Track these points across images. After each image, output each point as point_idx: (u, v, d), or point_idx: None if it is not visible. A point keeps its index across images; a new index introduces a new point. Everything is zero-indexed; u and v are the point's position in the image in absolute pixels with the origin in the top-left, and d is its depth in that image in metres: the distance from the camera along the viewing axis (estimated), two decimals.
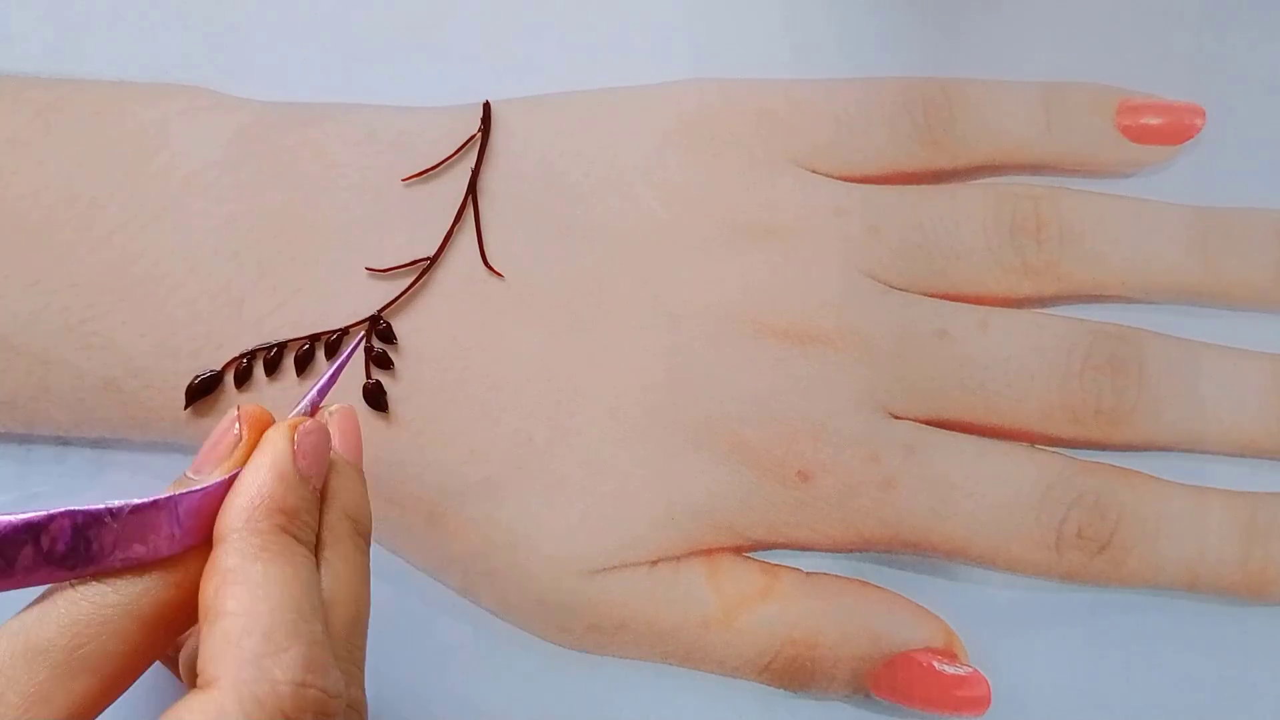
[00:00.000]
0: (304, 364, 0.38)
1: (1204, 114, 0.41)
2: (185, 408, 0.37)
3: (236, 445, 0.30)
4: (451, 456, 0.37)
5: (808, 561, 0.38)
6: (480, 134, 0.40)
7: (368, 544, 0.30)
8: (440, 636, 0.38)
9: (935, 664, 0.37)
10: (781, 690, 0.38)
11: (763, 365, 0.38)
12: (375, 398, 0.38)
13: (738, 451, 0.38)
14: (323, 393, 0.32)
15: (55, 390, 0.37)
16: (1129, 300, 0.40)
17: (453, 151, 0.39)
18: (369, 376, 0.38)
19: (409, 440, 0.37)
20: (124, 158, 0.38)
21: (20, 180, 0.38)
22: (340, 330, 0.38)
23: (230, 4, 0.42)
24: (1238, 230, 0.40)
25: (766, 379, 0.38)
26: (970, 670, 0.37)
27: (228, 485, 0.29)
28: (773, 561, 0.38)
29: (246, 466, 0.29)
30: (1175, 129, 0.41)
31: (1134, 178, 0.41)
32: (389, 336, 0.38)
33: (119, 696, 0.27)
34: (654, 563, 0.37)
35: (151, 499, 0.28)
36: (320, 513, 0.29)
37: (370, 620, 0.38)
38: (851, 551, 0.39)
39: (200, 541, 0.28)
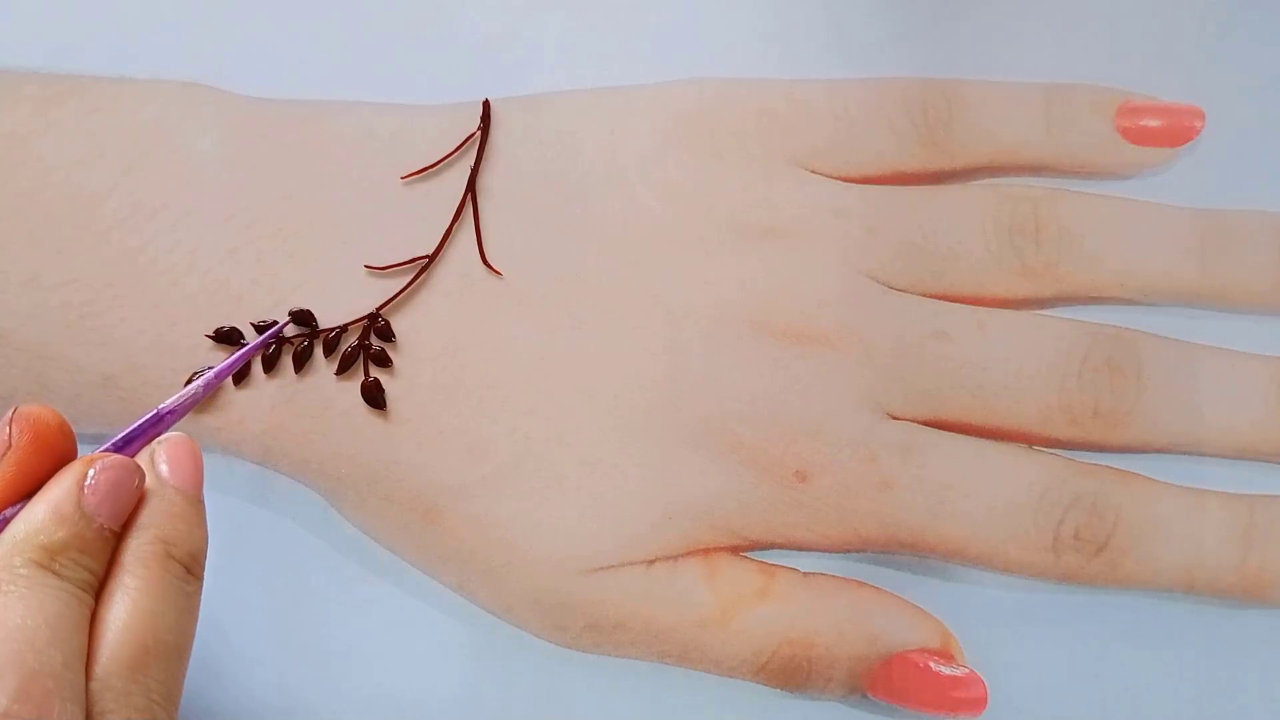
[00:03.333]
0: (302, 361, 0.38)
1: (1204, 116, 0.41)
2: None
3: (6, 451, 0.29)
4: (449, 454, 0.37)
5: (805, 561, 0.38)
6: (480, 132, 0.40)
7: (191, 570, 0.29)
8: (437, 635, 0.38)
9: (932, 665, 0.37)
10: (778, 690, 0.38)
11: (761, 365, 0.38)
12: (373, 395, 0.38)
13: (736, 451, 0.38)
14: (207, 386, 0.32)
15: (54, 386, 0.37)
16: (1128, 302, 0.40)
17: (452, 150, 0.40)
18: (367, 375, 0.38)
19: (406, 438, 0.37)
20: (123, 154, 0.38)
21: (19, 176, 0.38)
22: (339, 328, 0.38)
23: (230, 1, 0.42)
24: (1237, 232, 0.40)
25: (765, 379, 0.38)
26: (967, 671, 0.37)
27: (2, 523, 0.28)
28: (770, 561, 0.38)
29: (30, 501, 0.28)
30: (1175, 131, 0.41)
31: (1134, 179, 0.41)
32: (387, 334, 0.38)
33: None
34: (651, 562, 0.37)
35: None
36: (125, 540, 0.29)
37: (368, 619, 0.38)
38: (849, 552, 0.39)
39: None
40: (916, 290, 0.40)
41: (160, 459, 0.30)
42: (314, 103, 0.40)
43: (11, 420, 0.29)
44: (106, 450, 0.30)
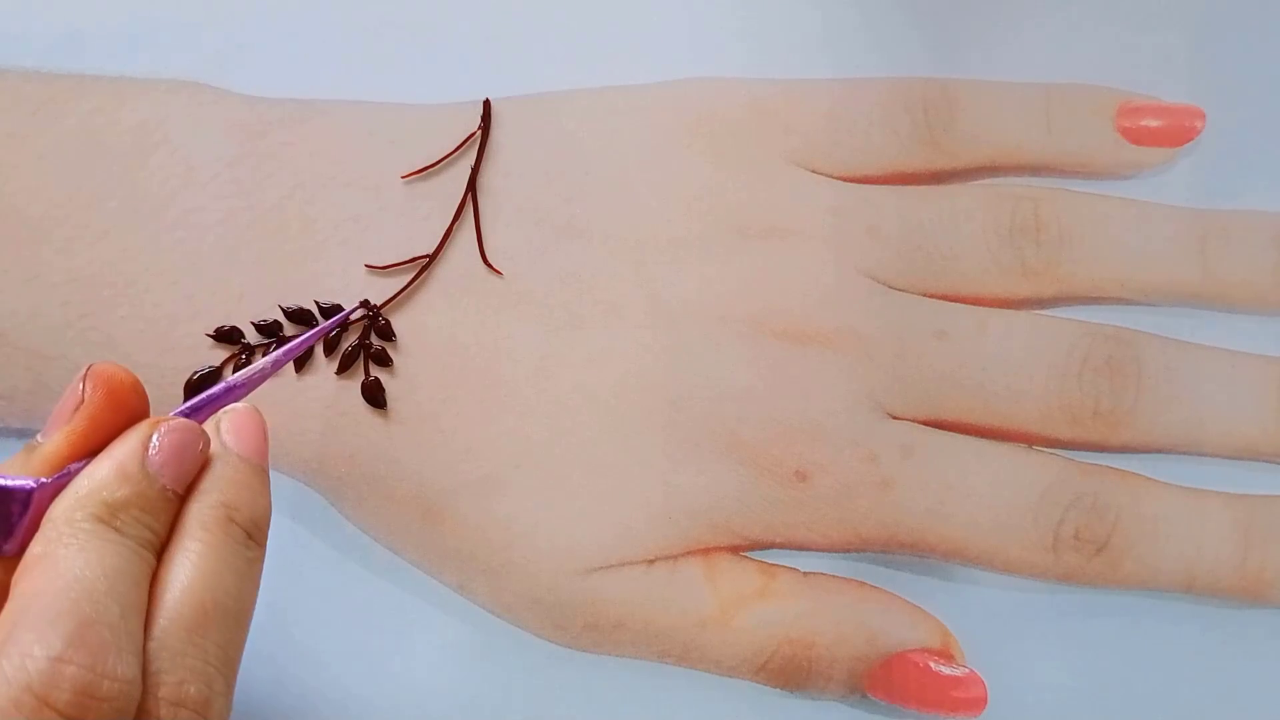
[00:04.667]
0: (302, 360, 0.38)
1: (1204, 116, 0.41)
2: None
3: (79, 406, 0.29)
4: (449, 454, 0.37)
5: (805, 561, 0.38)
6: (480, 132, 0.40)
7: (253, 536, 0.29)
8: (437, 634, 0.38)
9: (931, 664, 0.37)
10: (778, 690, 0.38)
11: (761, 365, 0.38)
12: (373, 395, 0.38)
13: (735, 451, 0.38)
14: (248, 383, 0.32)
15: (53, 386, 0.37)
16: (1128, 302, 0.40)
17: (453, 149, 0.40)
18: (367, 374, 0.38)
19: (407, 437, 0.37)
20: (123, 153, 0.38)
21: (20, 176, 0.38)
22: (339, 327, 0.38)
23: (230, 1, 0.42)
24: (1237, 233, 0.40)
25: (765, 378, 0.38)
26: (966, 671, 0.37)
27: (69, 477, 0.28)
28: (770, 561, 0.38)
29: (95, 459, 0.28)
30: (1175, 131, 0.41)
31: (1134, 179, 0.41)
32: (388, 334, 0.38)
33: None
34: (651, 562, 0.37)
35: (17, 485, 0.27)
36: (188, 503, 0.29)
37: (366, 617, 0.38)
38: (849, 551, 0.39)
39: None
40: (916, 290, 0.40)
41: (225, 427, 0.30)
42: (314, 102, 0.40)
43: (85, 377, 0.29)
44: (176, 416, 0.30)
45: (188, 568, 0.28)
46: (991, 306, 0.40)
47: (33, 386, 0.37)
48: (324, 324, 0.37)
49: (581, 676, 0.38)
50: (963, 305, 0.40)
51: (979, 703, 0.37)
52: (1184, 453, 0.39)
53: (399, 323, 0.38)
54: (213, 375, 0.37)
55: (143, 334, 0.37)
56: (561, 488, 0.37)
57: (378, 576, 0.38)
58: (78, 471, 0.28)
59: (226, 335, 0.38)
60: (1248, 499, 0.39)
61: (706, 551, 0.38)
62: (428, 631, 0.38)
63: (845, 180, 0.40)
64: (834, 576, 0.38)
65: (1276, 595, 0.38)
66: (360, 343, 0.38)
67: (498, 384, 0.38)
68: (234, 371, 0.37)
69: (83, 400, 0.29)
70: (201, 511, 0.29)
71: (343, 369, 0.38)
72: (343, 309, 0.38)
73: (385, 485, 0.37)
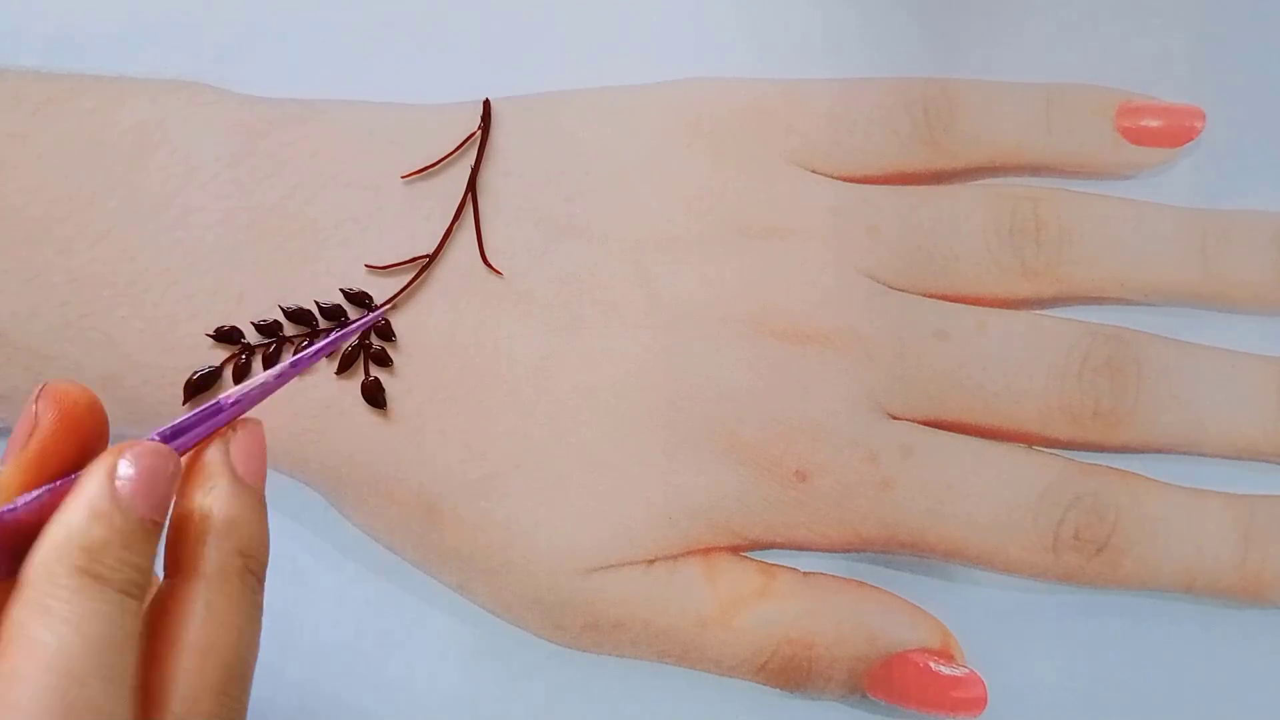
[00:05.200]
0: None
1: (1204, 116, 0.41)
2: (184, 403, 0.37)
3: (33, 430, 0.28)
4: (449, 454, 0.37)
5: (805, 561, 0.38)
6: (480, 132, 0.40)
7: (260, 581, 0.29)
8: (436, 634, 0.38)
9: (932, 664, 0.37)
10: (778, 690, 0.38)
11: (761, 365, 0.38)
12: (373, 395, 0.38)
13: (735, 451, 0.38)
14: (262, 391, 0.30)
15: None
16: (1128, 302, 0.40)
17: (452, 149, 0.39)
18: (367, 374, 0.38)
19: (406, 437, 0.37)
20: (123, 153, 0.38)
21: (19, 175, 0.38)
22: (340, 327, 0.38)
23: (230, 0, 0.42)
24: (1237, 233, 0.40)
25: (764, 378, 0.38)
26: (967, 671, 0.37)
27: (41, 508, 0.27)
28: (770, 561, 0.38)
29: (65, 500, 0.27)
30: (1175, 131, 0.41)
31: (1134, 180, 0.41)
32: (387, 334, 0.38)
33: None
34: (651, 562, 0.37)
35: None
36: (204, 546, 0.28)
37: (366, 618, 0.38)
38: (849, 551, 0.39)
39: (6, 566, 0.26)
40: (917, 290, 0.40)
41: (236, 453, 0.29)
42: (314, 102, 0.40)
43: (39, 397, 0.28)
44: (154, 438, 0.28)
45: (213, 625, 0.27)
46: (991, 306, 0.40)
47: (32, 386, 0.37)
48: (334, 335, 0.35)
49: (581, 676, 0.38)
50: (963, 305, 0.40)
51: (979, 703, 0.37)
52: (1184, 453, 0.39)
53: (399, 323, 0.38)
54: (212, 375, 0.37)
55: (143, 334, 0.37)
56: (561, 488, 0.37)
57: (378, 576, 0.38)
58: (25, 505, 0.27)
59: (226, 335, 0.38)
60: (1248, 499, 0.39)
61: (706, 551, 0.38)
62: (428, 631, 0.38)
63: (845, 180, 0.40)
64: (834, 576, 0.38)
65: (1276, 595, 0.38)
66: (360, 343, 0.38)
67: (498, 384, 0.38)
68: (233, 372, 0.38)
69: (36, 423, 0.28)
70: (223, 561, 0.28)
71: (343, 369, 0.38)
72: (343, 309, 0.38)
73: (385, 485, 0.37)
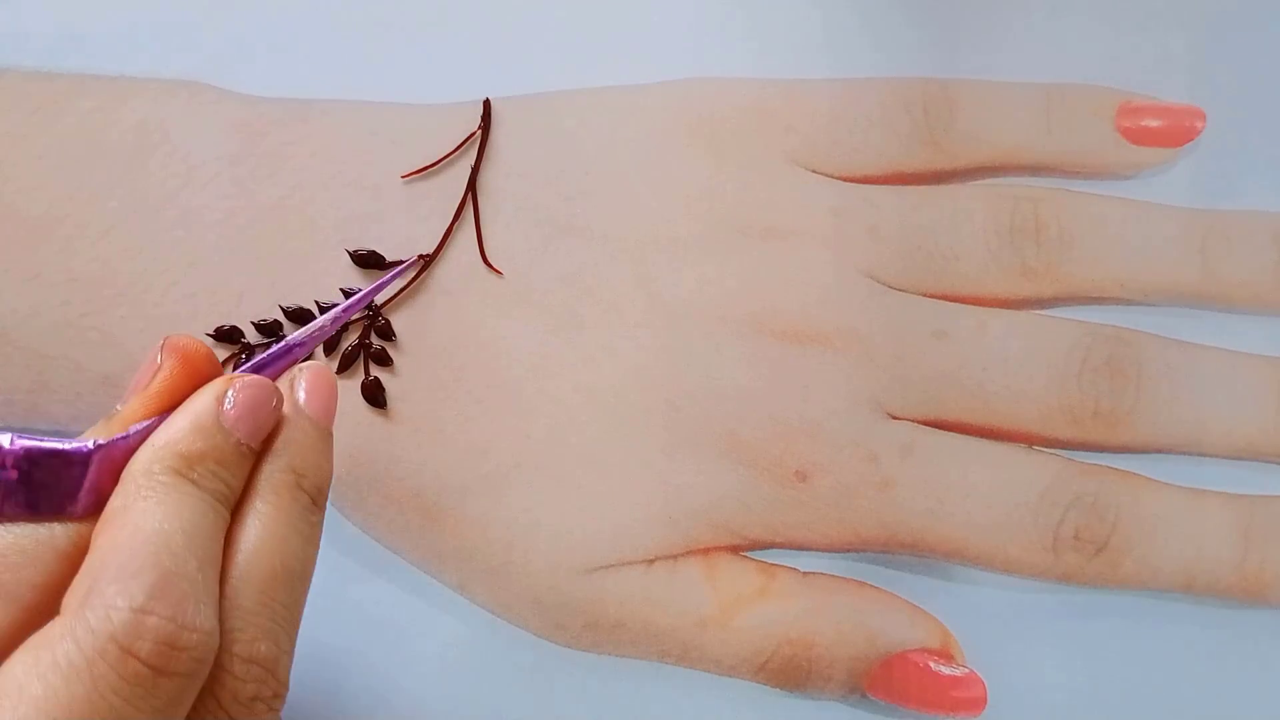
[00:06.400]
0: (304, 358, 0.38)
1: (1204, 116, 0.41)
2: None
3: (155, 373, 0.29)
4: (449, 454, 0.37)
5: (805, 561, 0.38)
6: (480, 131, 0.40)
7: (316, 501, 0.30)
8: (437, 634, 0.38)
9: (931, 664, 0.37)
10: (778, 690, 0.38)
11: (761, 365, 0.38)
12: (374, 394, 0.38)
13: (735, 451, 0.38)
14: (309, 341, 0.32)
15: (54, 385, 0.37)
16: (1128, 302, 0.40)
17: (453, 149, 0.40)
18: (367, 374, 0.38)
19: (407, 437, 0.37)
20: (124, 153, 0.38)
21: (20, 175, 0.38)
22: (339, 326, 0.38)
23: (230, 0, 0.42)
24: (1237, 233, 0.40)
25: (765, 378, 0.38)
26: (966, 671, 0.37)
27: (146, 434, 0.29)
28: (770, 561, 0.38)
29: (171, 415, 0.29)
30: (1175, 131, 0.41)
31: (1134, 180, 0.41)
32: (388, 333, 0.38)
33: (42, 628, 0.27)
34: (651, 562, 0.37)
35: (75, 447, 0.28)
36: (260, 464, 0.29)
37: (366, 618, 0.38)
38: (849, 551, 0.39)
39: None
40: (917, 290, 0.40)
41: (300, 386, 0.30)
42: (314, 102, 0.40)
43: (162, 348, 0.29)
44: (244, 372, 0.30)
45: (259, 530, 0.28)
46: (991, 306, 0.40)
47: (33, 386, 0.37)
48: (381, 279, 0.36)
49: (581, 676, 0.38)
50: (963, 305, 0.40)
51: (979, 703, 0.37)
52: (1184, 453, 0.39)
53: (399, 323, 0.38)
54: None
55: (143, 333, 0.37)
56: (561, 487, 0.37)
57: (378, 576, 0.38)
58: (137, 433, 0.28)
59: (226, 335, 0.38)
60: (1248, 499, 0.39)
61: (706, 551, 0.38)
62: (428, 631, 0.38)
63: (845, 180, 0.40)
64: (834, 576, 0.38)
65: (1276, 595, 0.38)
66: (360, 343, 0.38)
67: (498, 384, 0.38)
68: (234, 369, 0.38)
69: (159, 368, 0.29)
70: (272, 475, 0.29)
71: (343, 369, 0.38)
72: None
73: (385, 485, 0.37)
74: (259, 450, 0.29)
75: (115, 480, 0.28)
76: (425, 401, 0.38)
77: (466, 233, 0.39)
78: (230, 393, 0.29)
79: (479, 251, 0.39)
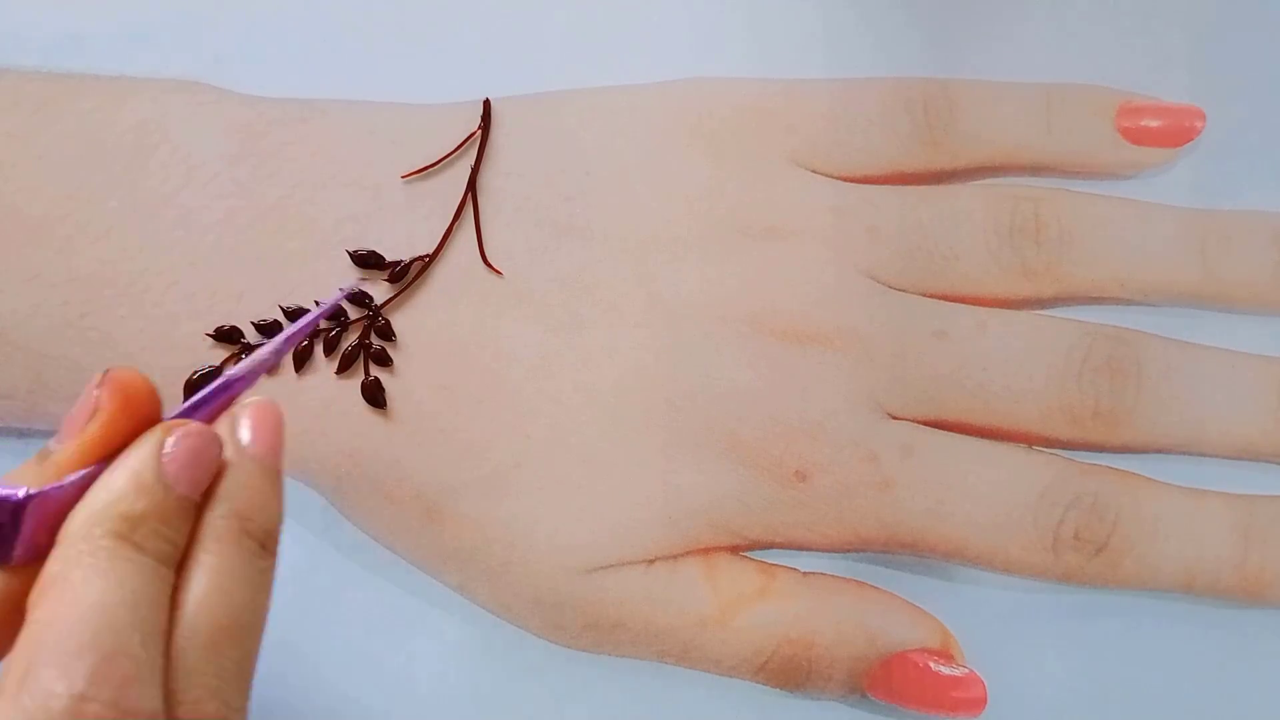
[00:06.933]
0: (302, 360, 0.38)
1: (1204, 116, 0.41)
2: (184, 402, 0.37)
3: (94, 414, 0.28)
4: (449, 454, 0.37)
5: (805, 561, 0.38)
6: (480, 131, 0.40)
7: (266, 546, 0.28)
8: (437, 634, 0.38)
9: (931, 664, 0.37)
10: (778, 690, 0.38)
11: (760, 364, 0.38)
12: (373, 395, 0.38)
13: (735, 451, 0.38)
14: (260, 366, 0.30)
15: (53, 385, 0.37)
16: (1128, 302, 0.40)
17: (453, 149, 0.40)
18: (367, 374, 0.38)
19: (407, 437, 0.37)
20: (124, 153, 0.38)
21: (19, 175, 0.38)
22: (339, 326, 0.38)
23: (231, 0, 0.42)
24: (1237, 233, 0.40)
25: (764, 378, 0.38)
26: (966, 671, 0.37)
27: (85, 485, 0.27)
28: (770, 561, 0.38)
29: (108, 469, 0.27)
30: (1175, 131, 0.41)
31: (1134, 180, 0.41)
32: (387, 333, 0.38)
33: None
34: (651, 561, 0.37)
35: (5, 493, 0.26)
36: (203, 513, 0.28)
37: (366, 618, 0.38)
38: (849, 551, 0.39)
39: (49, 544, 0.27)
40: (917, 290, 0.40)
41: (243, 425, 0.29)
42: (314, 101, 0.40)
43: (101, 384, 0.28)
44: (177, 417, 0.29)
45: (202, 583, 0.27)
46: (992, 307, 0.40)
47: (33, 385, 0.37)
48: (319, 309, 0.35)
49: (581, 676, 0.38)
50: (963, 305, 0.40)
51: (979, 703, 0.37)
52: (1184, 453, 0.39)
53: (399, 323, 0.38)
54: (212, 374, 0.37)
55: (142, 333, 0.37)
56: (561, 487, 0.37)
57: (378, 576, 0.38)
58: (73, 483, 0.27)
59: (226, 335, 0.38)
60: (1248, 499, 0.39)
61: (706, 551, 0.38)
62: (428, 631, 0.38)
63: (845, 180, 0.40)
64: (834, 576, 0.38)
65: (1276, 595, 0.38)
66: (360, 343, 0.38)
67: (498, 384, 0.38)
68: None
69: (97, 407, 0.28)
70: (215, 522, 0.28)
71: (343, 369, 0.38)
72: (343, 309, 0.38)
73: (385, 485, 0.37)
74: (201, 499, 0.28)
75: (51, 532, 0.26)
76: (425, 402, 0.38)
77: (466, 233, 0.39)
78: (170, 443, 0.27)
79: (479, 251, 0.39)
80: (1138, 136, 0.41)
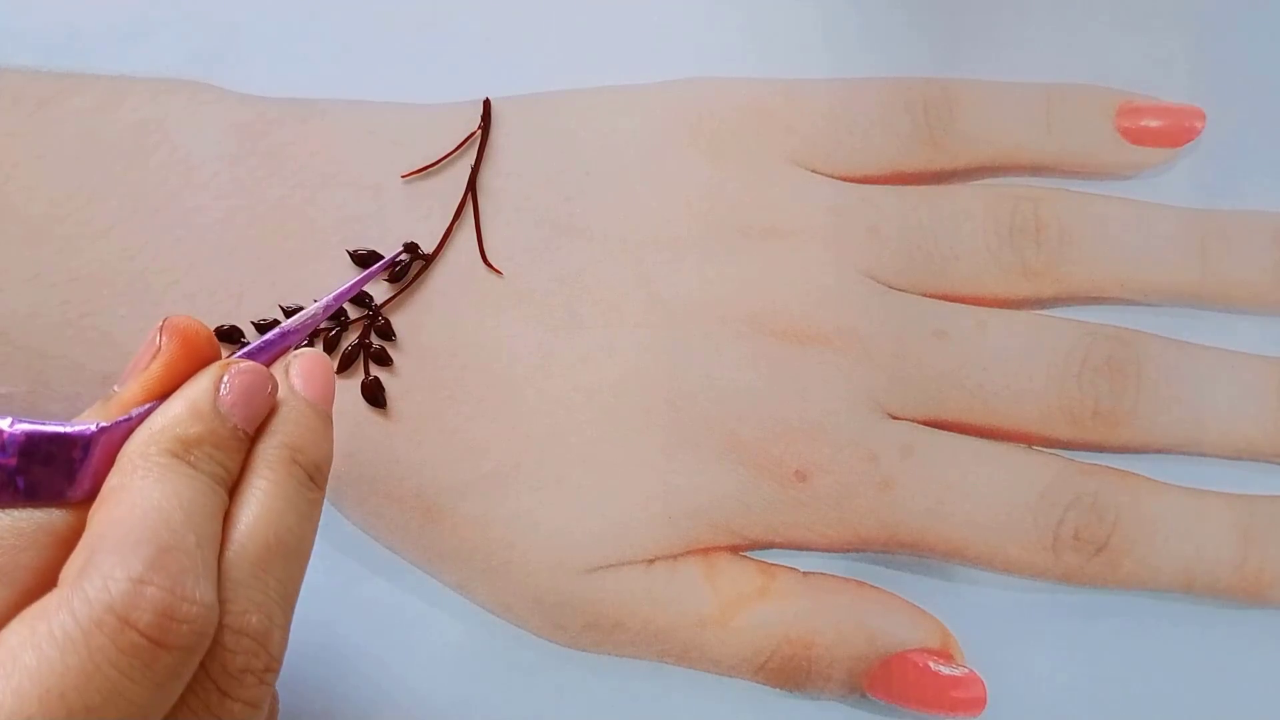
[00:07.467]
0: None
1: (1204, 116, 0.41)
2: None
3: (155, 355, 0.29)
4: (449, 453, 0.37)
5: (805, 561, 0.38)
6: (480, 131, 0.40)
7: (314, 479, 0.30)
8: (436, 634, 0.38)
9: (931, 664, 0.37)
10: (777, 690, 0.38)
11: (761, 365, 0.38)
12: (373, 394, 0.38)
13: (735, 451, 0.38)
14: (302, 329, 0.32)
15: (54, 384, 0.37)
16: (1128, 302, 0.40)
17: (453, 149, 0.40)
18: (367, 373, 0.38)
19: (407, 437, 0.37)
20: (124, 152, 0.38)
21: (20, 174, 0.38)
22: (339, 326, 0.38)
23: (231, 0, 0.42)
24: (1237, 233, 0.40)
25: (765, 378, 0.38)
26: (966, 671, 0.37)
27: (146, 417, 0.29)
28: (770, 561, 0.38)
29: (167, 400, 0.29)
30: (1175, 131, 0.41)
31: (1134, 179, 0.41)
32: (388, 333, 0.38)
33: (38, 600, 0.27)
34: (651, 561, 0.37)
35: (78, 430, 0.28)
36: (256, 444, 0.29)
37: (368, 619, 0.38)
38: (848, 551, 0.39)
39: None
40: (916, 290, 0.40)
41: (294, 371, 0.31)
42: (314, 101, 0.40)
43: (162, 329, 0.30)
44: (239, 358, 0.31)
45: (253, 505, 0.28)
46: (991, 307, 0.40)
47: (33, 385, 0.37)
48: (371, 269, 0.37)
49: (581, 676, 0.38)
50: (963, 305, 0.40)
51: (979, 703, 0.37)
52: (1184, 453, 0.39)
53: (399, 322, 0.38)
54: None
55: (142, 333, 0.37)
56: (561, 487, 0.37)
57: (378, 576, 0.38)
58: (139, 415, 0.28)
59: (226, 335, 0.38)
60: (1248, 499, 0.39)
61: (706, 551, 0.38)
62: (428, 631, 0.38)
63: (845, 180, 0.40)
64: (834, 576, 0.38)
65: (1276, 595, 0.38)
66: (360, 342, 0.38)
67: (498, 383, 0.38)
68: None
69: (159, 350, 0.29)
70: (267, 451, 0.29)
71: (343, 369, 0.38)
72: (343, 309, 0.38)
73: (385, 485, 0.37)
74: (255, 434, 0.29)
75: (113, 463, 0.28)
76: (425, 401, 0.38)
77: (466, 233, 0.39)
78: (226, 378, 0.29)
79: (479, 252, 0.39)
80: (1138, 136, 0.41)
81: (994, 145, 0.41)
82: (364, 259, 0.38)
